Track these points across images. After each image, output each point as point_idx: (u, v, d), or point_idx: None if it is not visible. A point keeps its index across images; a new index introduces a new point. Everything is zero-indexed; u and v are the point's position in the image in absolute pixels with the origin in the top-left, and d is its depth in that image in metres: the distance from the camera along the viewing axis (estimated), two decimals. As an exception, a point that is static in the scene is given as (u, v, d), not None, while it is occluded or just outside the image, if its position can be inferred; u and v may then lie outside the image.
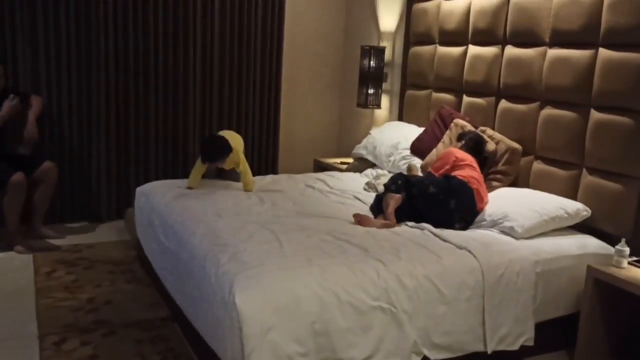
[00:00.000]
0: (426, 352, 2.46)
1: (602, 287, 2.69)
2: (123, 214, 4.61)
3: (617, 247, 2.71)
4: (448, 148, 3.54)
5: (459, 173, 3.26)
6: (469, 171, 3.28)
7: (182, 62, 4.77)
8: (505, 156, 3.47)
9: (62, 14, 4.29)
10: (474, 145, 3.48)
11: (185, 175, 4.81)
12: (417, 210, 3.14)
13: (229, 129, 5.00)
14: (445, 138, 3.82)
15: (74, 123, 4.49)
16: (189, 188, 3.61)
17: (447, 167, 3.33)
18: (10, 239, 3.91)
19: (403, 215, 3.12)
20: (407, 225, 3.07)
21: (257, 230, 2.78)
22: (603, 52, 3.06)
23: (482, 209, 3.19)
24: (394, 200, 3.10)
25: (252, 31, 5.01)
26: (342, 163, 4.92)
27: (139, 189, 3.76)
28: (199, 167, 3.66)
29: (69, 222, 4.55)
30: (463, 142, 3.52)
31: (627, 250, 2.68)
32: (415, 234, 2.90)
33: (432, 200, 3.12)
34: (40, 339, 2.79)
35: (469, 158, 3.37)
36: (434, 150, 3.83)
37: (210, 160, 3.60)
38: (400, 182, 3.19)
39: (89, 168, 4.60)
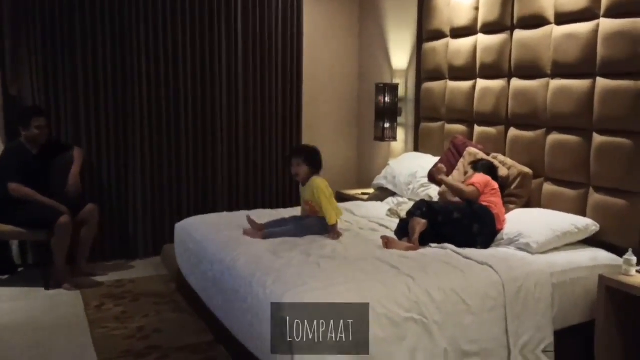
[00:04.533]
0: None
1: (613, 294, 2.92)
2: (159, 251, 4.90)
3: (625, 257, 2.93)
4: (486, 177, 3.65)
5: (482, 199, 3.51)
6: (490, 197, 3.54)
7: (209, 106, 5.16)
8: (518, 180, 3.74)
9: (99, 69, 4.71)
10: (488, 171, 3.73)
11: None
12: (441, 234, 3.39)
13: (254, 165, 5.40)
14: (460, 165, 4.10)
15: (112, 169, 4.86)
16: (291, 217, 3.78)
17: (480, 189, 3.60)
18: (59, 277, 4.20)
19: (426, 239, 3.37)
20: (430, 246, 3.33)
21: (295, 255, 3.06)
22: (600, 81, 3.36)
23: (500, 229, 3.45)
24: (420, 225, 3.35)
25: (273, 76, 5.40)
26: (363, 194, 5.19)
27: (178, 225, 4.06)
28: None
29: (108, 260, 4.85)
30: (479, 170, 3.74)
31: (634, 259, 2.91)
32: (440, 253, 3.17)
33: (456, 224, 3.38)
34: (101, 364, 3.06)
35: (496, 186, 3.61)
36: (450, 177, 4.09)
37: (296, 151, 3.97)
38: (425, 208, 3.46)
39: (126, 210, 4.94)
